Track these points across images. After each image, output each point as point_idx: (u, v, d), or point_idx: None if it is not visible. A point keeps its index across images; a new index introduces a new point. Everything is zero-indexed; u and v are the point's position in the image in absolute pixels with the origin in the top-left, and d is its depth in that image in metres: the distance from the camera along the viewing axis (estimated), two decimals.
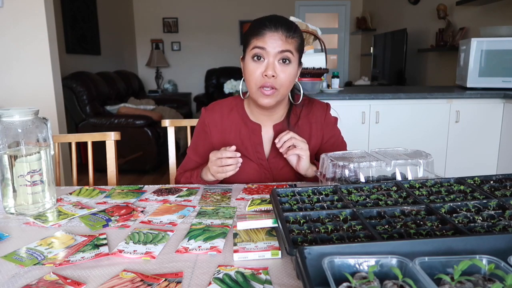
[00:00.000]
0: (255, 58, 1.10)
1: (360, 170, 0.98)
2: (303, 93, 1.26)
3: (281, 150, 1.15)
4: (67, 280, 0.65)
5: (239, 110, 1.26)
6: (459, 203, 0.74)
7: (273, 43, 1.07)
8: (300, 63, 1.18)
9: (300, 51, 1.15)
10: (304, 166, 1.16)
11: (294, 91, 1.26)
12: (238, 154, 1.09)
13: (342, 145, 1.33)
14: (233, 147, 1.10)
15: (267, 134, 1.25)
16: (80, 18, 4.65)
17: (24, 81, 2.73)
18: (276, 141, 1.14)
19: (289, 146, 1.14)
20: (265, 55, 1.09)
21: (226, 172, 1.10)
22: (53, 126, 2.76)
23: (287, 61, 1.10)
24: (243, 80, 1.19)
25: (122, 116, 3.85)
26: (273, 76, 1.09)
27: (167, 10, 6.24)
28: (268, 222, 0.80)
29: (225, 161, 1.09)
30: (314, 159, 1.31)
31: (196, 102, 6.08)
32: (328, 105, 1.32)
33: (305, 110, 1.27)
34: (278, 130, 1.23)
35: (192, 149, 1.32)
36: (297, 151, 1.13)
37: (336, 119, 1.33)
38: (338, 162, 1.00)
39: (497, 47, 2.65)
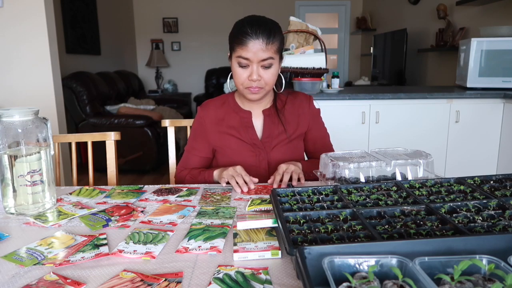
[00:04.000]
0: (241, 65, 1.21)
1: (360, 170, 0.98)
2: (285, 85, 1.38)
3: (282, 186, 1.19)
4: (67, 280, 0.65)
5: (231, 102, 1.37)
6: (459, 203, 0.74)
7: (255, 52, 1.17)
8: (281, 58, 1.28)
9: (281, 50, 1.25)
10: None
11: (277, 81, 1.36)
12: (252, 187, 1.16)
13: (326, 137, 1.45)
14: (255, 180, 1.17)
15: (258, 118, 1.36)
16: (80, 18, 4.65)
17: (24, 81, 2.73)
18: (272, 182, 1.18)
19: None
20: (249, 63, 1.19)
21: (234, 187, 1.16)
22: (53, 126, 2.76)
23: (270, 66, 1.21)
24: (231, 76, 1.29)
25: (122, 116, 3.85)
26: (258, 79, 1.20)
27: (167, 10, 6.23)
28: (268, 222, 0.80)
29: (240, 179, 1.15)
30: (302, 141, 1.42)
31: (196, 102, 6.07)
32: (311, 97, 1.43)
33: (290, 98, 1.39)
34: (267, 115, 1.36)
35: (190, 145, 1.39)
36: (295, 176, 1.18)
37: (319, 110, 1.44)
38: (338, 162, 1.00)
39: (497, 47, 2.65)
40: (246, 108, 1.36)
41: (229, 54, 1.27)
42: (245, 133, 1.33)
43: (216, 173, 1.27)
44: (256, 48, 1.16)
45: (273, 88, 1.36)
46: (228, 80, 1.35)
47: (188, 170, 1.36)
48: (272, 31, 1.19)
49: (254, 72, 1.19)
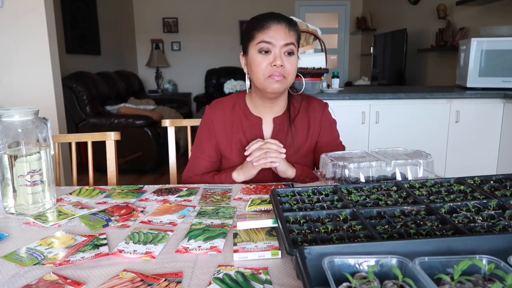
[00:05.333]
0: (262, 52, 1.14)
1: (360, 170, 0.98)
2: (299, 91, 1.31)
3: (249, 159, 1.16)
4: (67, 280, 0.65)
5: (241, 105, 1.30)
6: (459, 203, 0.74)
7: (278, 36, 1.13)
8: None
9: (298, 43, 1.21)
10: (281, 169, 1.19)
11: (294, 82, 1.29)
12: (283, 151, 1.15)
13: (338, 148, 1.32)
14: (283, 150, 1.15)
15: (268, 126, 1.29)
16: (80, 18, 4.65)
17: (24, 81, 2.73)
18: (246, 152, 1.16)
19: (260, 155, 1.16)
20: (272, 48, 1.14)
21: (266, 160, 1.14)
22: (53, 126, 2.76)
23: (292, 53, 1.16)
24: (247, 74, 1.23)
25: (122, 116, 3.85)
26: (281, 65, 1.13)
27: (167, 10, 6.23)
28: (268, 222, 0.80)
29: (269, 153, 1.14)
30: (312, 153, 1.33)
31: (196, 102, 6.08)
32: (326, 104, 1.35)
33: (304, 105, 1.32)
34: (278, 123, 1.28)
35: (198, 149, 1.31)
36: (268, 160, 1.14)
37: (334, 120, 1.35)
38: (338, 162, 1.00)
39: (497, 47, 2.65)
40: (257, 113, 1.28)
41: (242, 53, 1.22)
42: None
43: (236, 172, 1.21)
44: (279, 31, 1.12)
45: (288, 91, 1.29)
46: (247, 81, 1.26)
47: (198, 176, 1.29)
48: (292, 20, 1.17)
49: (277, 56, 1.12)
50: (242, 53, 1.22)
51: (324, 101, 1.35)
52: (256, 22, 1.16)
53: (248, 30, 1.17)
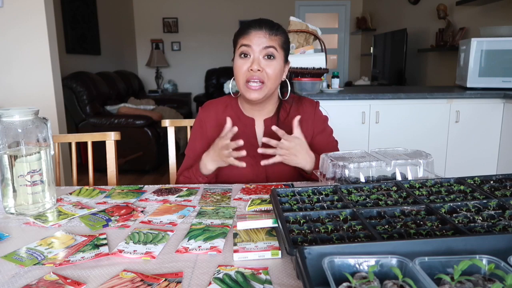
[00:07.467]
0: (242, 55, 1.18)
1: (360, 170, 0.98)
2: (292, 91, 1.34)
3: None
4: (67, 280, 0.65)
5: (234, 106, 1.33)
6: (459, 203, 0.74)
7: (257, 40, 1.16)
8: (286, 61, 1.25)
9: (285, 49, 1.23)
10: (296, 164, 1.19)
11: (283, 88, 1.31)
12: (243, 150, 1.13)
13: (332, 144, 1.35)
14: (240, 142, 1.13)
15: (260, 127, 1.31)
16: (80, 18, 4.65)
17: (24, 81, 2.73)
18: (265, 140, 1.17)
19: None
20: (251, 52, 1.17)
21: (228, 159, 1.14)
22: (53, 126, 2.76)
23: (272, 57, 1.18)
24: (233, 79, 1.26)
25: (122, 116, 3.85)
26: (259, 70, 1.16)
27: (167, 10, 6.24)
28: (268, 222, 0.80)
29: (230, 153, 1.13)
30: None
31: (196, 102, 6.08)
32: (317, 102, 1.36)
33: (294, 107, 1.33)
34: (268, 125, 1.28)
35: (190, 148, 1.35)
36: (278, 158, 1.16)
37: (326, 117, 1.37)
38: (338, 162, 1.00)
39: (497, 47, 2.65)
40: (249, 114, 1.30)
41: (233, 57, 1.24)
42: (246, 143, 1.22)
43: (206, 153, 1.20)
44: (258, 36, 1.16)
45: (279, 95, 1.31)
46: (231, 83, 1.30)
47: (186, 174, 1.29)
48: (276, 25, 1.19)
49: (255, 60, 1.16)
50: (232, 59, 1.25)
51: (324, 101, 1.37)
52: (240, 29, 1.21)
53: (234, 38, 1.23)
